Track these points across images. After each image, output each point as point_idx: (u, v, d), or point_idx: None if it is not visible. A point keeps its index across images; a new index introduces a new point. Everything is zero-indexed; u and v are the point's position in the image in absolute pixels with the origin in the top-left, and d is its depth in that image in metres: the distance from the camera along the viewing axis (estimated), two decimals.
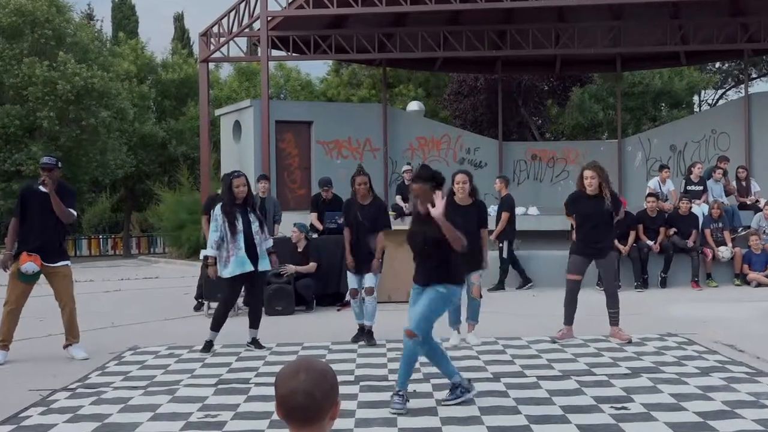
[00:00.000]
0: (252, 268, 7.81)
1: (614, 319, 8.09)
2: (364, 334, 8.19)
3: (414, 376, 6.48)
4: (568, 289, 8.15)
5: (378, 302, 8.34)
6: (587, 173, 7.99)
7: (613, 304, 8.07)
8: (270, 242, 8.14)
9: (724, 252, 12.78)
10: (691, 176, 14.17)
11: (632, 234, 12.69)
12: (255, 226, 7.88)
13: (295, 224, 11.03)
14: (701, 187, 14.08)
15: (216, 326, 7.90)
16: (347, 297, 8.26)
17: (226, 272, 7.81)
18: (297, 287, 10.61)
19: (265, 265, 7.96)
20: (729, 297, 11.48)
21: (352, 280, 8.24)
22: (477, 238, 7.88)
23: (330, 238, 11.30)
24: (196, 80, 25.44)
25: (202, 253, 10.97)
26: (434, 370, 6.76)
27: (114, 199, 34.65)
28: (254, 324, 8.02)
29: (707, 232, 13.03)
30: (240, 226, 7.79)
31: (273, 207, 12.19)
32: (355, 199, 8.24)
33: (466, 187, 7.94)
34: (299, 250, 10.81)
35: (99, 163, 24.72)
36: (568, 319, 8.16)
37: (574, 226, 8.29)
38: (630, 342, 7.85)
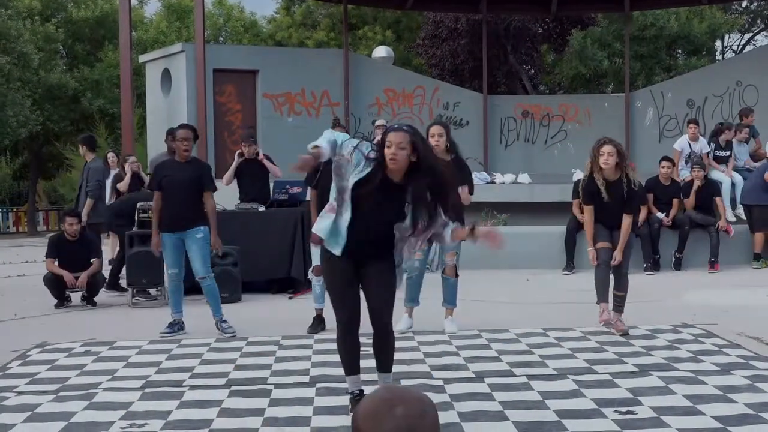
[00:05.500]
0: None
1: (620, 305, 8.22)
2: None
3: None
4: (602, 260, 8.16)
5: None
6: (607, 148, 7.94)
7: (623, 285, 8.21)
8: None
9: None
10: (719, 139, 14.34)
11: (643, 209, 12.69)
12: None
13: None
14: (728, 153, 14.27)
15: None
16: (309, 275, 8.52)
17: None
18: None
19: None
20: (755, 281, 11.66)
21: (317, 255, 8.26)
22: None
23: (279, 214, 11.19)
24: (114, 19, 25.08)
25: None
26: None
27: (16, 165, 34.20)
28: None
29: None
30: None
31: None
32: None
33: (442, 141, 8.00)
34: None
35: None
36: (604, 296, 8.22)
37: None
38: (626, 334, 7.98)
